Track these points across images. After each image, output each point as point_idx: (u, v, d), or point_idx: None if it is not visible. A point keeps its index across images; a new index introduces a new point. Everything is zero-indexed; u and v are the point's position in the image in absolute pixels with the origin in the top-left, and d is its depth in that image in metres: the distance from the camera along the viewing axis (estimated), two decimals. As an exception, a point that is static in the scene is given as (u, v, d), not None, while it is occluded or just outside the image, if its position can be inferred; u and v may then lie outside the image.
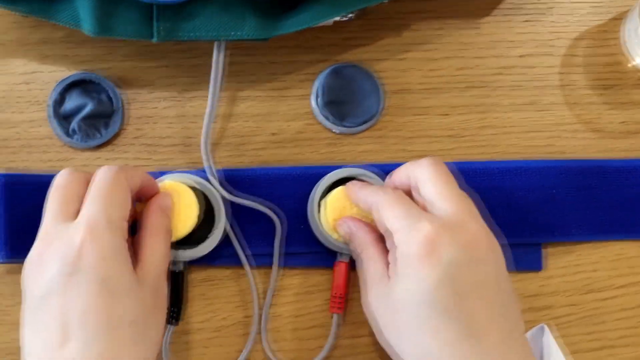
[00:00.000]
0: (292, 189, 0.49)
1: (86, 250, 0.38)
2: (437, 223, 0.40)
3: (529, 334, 0.45)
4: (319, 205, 0.48)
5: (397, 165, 0.48)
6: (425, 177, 0.42)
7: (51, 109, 0.48)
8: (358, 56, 0.50)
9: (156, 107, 0.49)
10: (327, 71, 0.49)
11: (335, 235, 0.47)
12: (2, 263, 0.47)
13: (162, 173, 0.48)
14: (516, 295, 0.42)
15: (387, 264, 0.43)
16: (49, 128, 0.48)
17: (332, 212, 0.47)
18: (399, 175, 0.45)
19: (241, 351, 0.49)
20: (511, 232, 0.49)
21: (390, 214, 0.42)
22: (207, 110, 0.47)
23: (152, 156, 0.49)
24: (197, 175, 0.48)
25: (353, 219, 0.46)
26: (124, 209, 0.41)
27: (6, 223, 0.46)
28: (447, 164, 0.44)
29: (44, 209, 0.42)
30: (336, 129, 0.49)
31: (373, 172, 0.48)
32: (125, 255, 0.40)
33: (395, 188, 0.45)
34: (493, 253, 0.41)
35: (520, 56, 0.51)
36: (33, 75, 0.49)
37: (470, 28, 0.51)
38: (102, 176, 0.41)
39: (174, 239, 0.46)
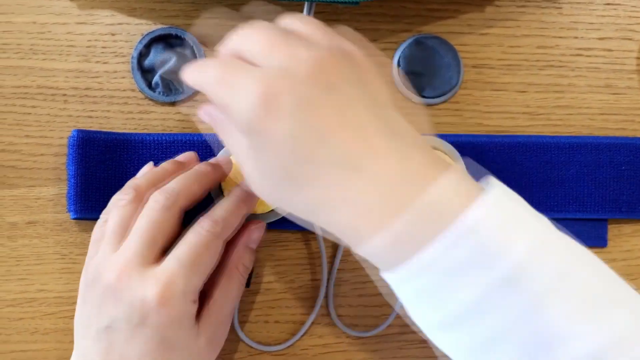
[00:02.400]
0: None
1: (154, 313, 0.39)
2: (265, 78, 0.33)
3: None
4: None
5: (473, 138, 0.49)
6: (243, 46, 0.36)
7: (135, 61, 0.48)
8: (440, 28, 0.50)
9: (238, 66, 0.49)
10: (409, 41, 0.50)
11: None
12: (72, 219, 0.48)
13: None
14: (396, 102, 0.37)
15: None
16: (131, 80, 0.49)
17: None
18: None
19: (306, 314, 0.49)
20: (578, 206, 0.50)
21: (216, 89, 0.35)
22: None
23: (232, 115, 0.49)
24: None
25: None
26: (206, 275, 0.41)
27: (78, 181, 0.47)
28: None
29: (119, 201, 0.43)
30: (415, 99, 0.50)
31: (448, 142, 0.48)
32: (190, 319, 0.41)
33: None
34: (350, 69, 0.35)
35: (600, 39, 0.51)
36: (119, 26, 0.49)
37: (552, 7, 0.51)
38: (200, 236, 0.41)
39: (260, 212, 0.46)
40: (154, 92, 0.48)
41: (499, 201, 0.33)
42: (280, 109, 0.33)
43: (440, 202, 0.32)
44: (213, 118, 0.39)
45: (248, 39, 0.36)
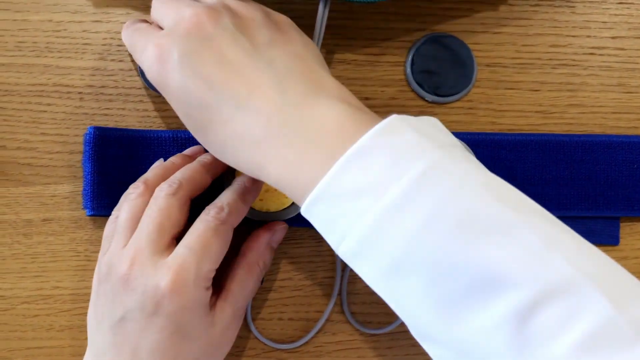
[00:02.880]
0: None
1: (167, 301, 0.39)
2: (156, 37, 0.39)
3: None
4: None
5: (486, 136, 0.49)
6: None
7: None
8: (454, 27, 0.51)
9: (253, 65, 0.49)
10: (423, 40, 0.50)
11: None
12: (88, 216, 0.48)
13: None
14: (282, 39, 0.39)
15: None
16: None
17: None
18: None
19: (319, 311, 0.49)
20: (591, 205, 0.50)
21: (129, 47, 0.43)
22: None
23: (246, 113, 0.49)
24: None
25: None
26: (217, 261, 0.41)
27: (94, 178, 0.47)
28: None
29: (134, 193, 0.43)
30: (428, 97, 0.50)
31: (461, 140, 0.48)
32: (204, 307, 0.41)
33: None
34: (226, 19, 0.39)
35: (612, 37, 0.51)
36: (135, 24, 0.49)
37: (566, 6, 0.51)
38: (207, 223, 0.41)
39: (274, 209, 0.47)
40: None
41: (390, 125, 0.34)
42: (169, 63, 0.37)
43: (316, 129, 0.35)
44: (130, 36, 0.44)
45: (159, 4, 0.41)
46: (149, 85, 0.48)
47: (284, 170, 0.35)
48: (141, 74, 0.48)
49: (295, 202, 0.36)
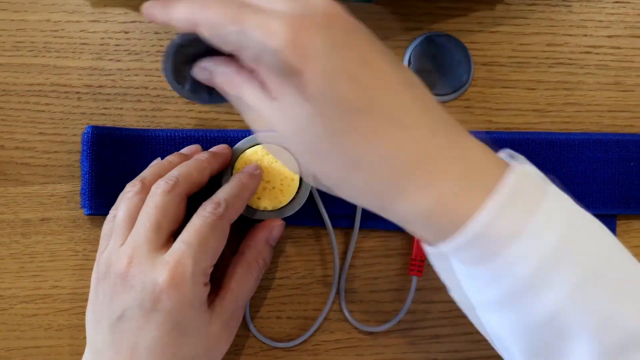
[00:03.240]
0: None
1: (165, 296, 0.39)
2: (287, 16, 0.32)
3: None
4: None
5: (483, 134, 0.49)
6: None
7: (173, 48, 0.39)
8: (451, 26, 0.51)
9: (251, 64, 0.50)
10: (420, 39, 0.50)
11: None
12: (86, 215, 0.48)
13: (250, 131, 0.48)
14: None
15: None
16: (144, 78, 0.49)
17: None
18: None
19: (318, 310, 0.50)
20: (587, 203, 0.50)
21: (228, 29, 0.33)
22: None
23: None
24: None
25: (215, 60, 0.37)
26: (214, 256, 0.41)
27: (92, 177, 0.47)
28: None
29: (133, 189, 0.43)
30: (425, 96, 0.50)
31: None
32: (202, 303, 0.41)
33: None
34: (355, 20, 0.35)
35: (609, 36, 0.52)
36: (132, 24, 0.49)
37: (562, 5, 0.51)
38: (204, 218, 0.41)
39: (271, 207, 0.47)
40: (182, 86, 0.40)
41: (531, 172, 0.34)
42: (312, 50, 0.31)
43: (478, 166, 0.33)
44: (217, 72, 0.36)
45: None
46: (175, 87, 0.40)
47: (431, 199, 0.32)
48: (170, 73, 0.40)
49: (430, 236, 0.34)
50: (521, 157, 0.35)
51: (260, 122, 0.35)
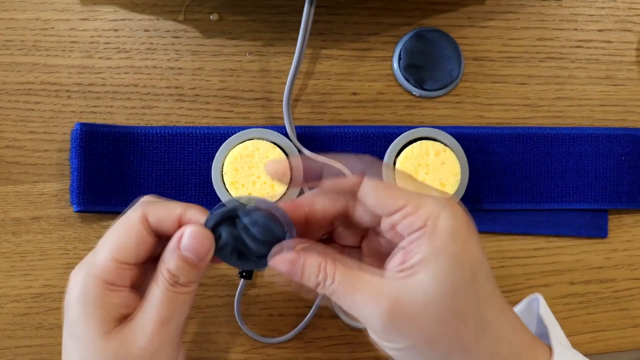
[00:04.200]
0: (367, 148, 0.49)
1: (66, 297, 0.37)
2: (457, 210, 0.35)
3: (522, 304, 0.43)
4: (394, 164, 0.48)
5: (473, 130, 0.49)
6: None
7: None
8: (441, 21, 0.51)
9: (240, 61, 0.50)
10: (410, 34, 0.50)
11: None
12: (76, 212, 0.48)
13: (240, 128, 0.48)
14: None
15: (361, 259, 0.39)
16: (134, 76, 0.49)
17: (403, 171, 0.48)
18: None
19: (309, 307, 0.49)
20: (579, 197, 0.50)
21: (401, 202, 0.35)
22: (293, 63, 0.47)
23: (234, 109, 0.49)
24: (275, 131, 0.48)
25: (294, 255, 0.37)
26: (116, 251, 0.36)
27: (81, 173, 0.47)
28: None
29: None
30: (416, 91, 0.50)
31: (449, 134, 0.48)
32: (93, 302, 0.36)
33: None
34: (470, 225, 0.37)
35: (599, 30, 0.51)
36: (122, 22, 0.49)
37: (552, 0, 0.51)
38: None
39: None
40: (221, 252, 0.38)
41: None
42: (473, 242, 0.35)
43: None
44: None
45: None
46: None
47: None
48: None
49: None
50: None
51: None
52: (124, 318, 0.36)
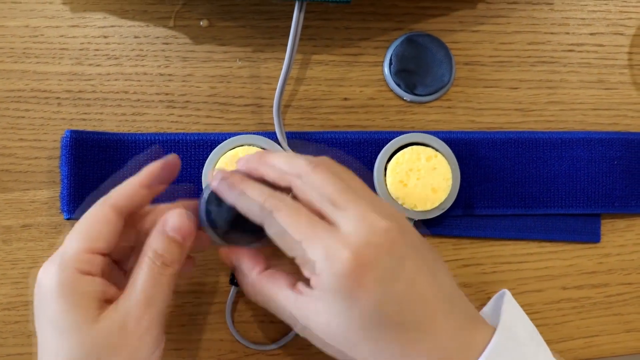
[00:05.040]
0: (358, 153, 0.49)
1: (37, 289, 0.38)
2: (353, 246, 0.36)
3: (490, 303, 0.45)
4: (385, 170, 0.48)
5: (465, 135, 0.49)
6: (312, 186, 0.39)
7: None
8: (432, 26, 0.50)
9: (230, 67, 0.49)
10: (400, 39, 0.50)
11: (400, 201, 0.48)
12: (67, 220, 0.48)
13: (231, 134, 0.48)
14: (444, 265, 0.41)
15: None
16: (124, 82, 0.49)
17: (394, 177, 0.47)
18: (267, 169, 0.40)
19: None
20: (572, 202, 0.50)
21: (296, 242, 0.37)
22: (283, 69, 0.47)
23: (224, 115, 0.49)
24: (266, 137, 0.48)
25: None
26: (88, 241, 0.38)
27: (72, 181, 0.47)
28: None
29: None
30: (407, 97, 0.50)
31: (440, 139, 0.48)
32: (73, 291, 0.37)
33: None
34: (409, 237, 0.39)
35: (591, 34, 0.51)
36: (112, 29, 0.49)
37: (544, 4, 0.51)
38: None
39: None
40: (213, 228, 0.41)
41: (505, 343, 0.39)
42: (369, 279, 0.36)
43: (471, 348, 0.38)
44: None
45: (317, 184, 0.39)
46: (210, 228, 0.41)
47: None
48: (210, 216, 0.41)
49: None
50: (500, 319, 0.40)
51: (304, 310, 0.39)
52: (104, 305, 0.38)
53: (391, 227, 0.38)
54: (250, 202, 0.39)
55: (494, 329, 0.39)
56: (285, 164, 0.40)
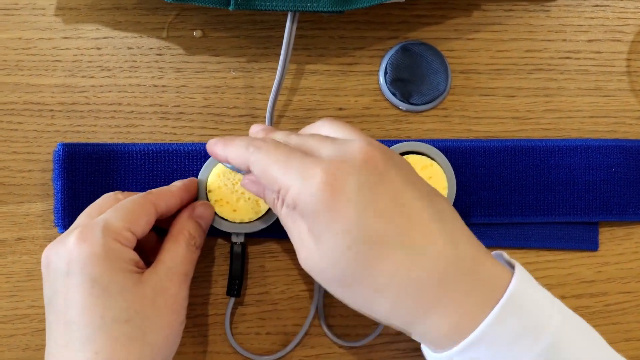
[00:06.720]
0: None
1: (76, 252, 0.39)
2: (325, 164, 0.36)
3: None
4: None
5: (461, 143, 0.49)
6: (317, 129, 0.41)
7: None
8: (427, 34, 0.50)
9: (225, 78, 0.49)
10: (396, 48, 0.49)
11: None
12: (60, 233, 0.48)
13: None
14: (435, 190, 0.39)
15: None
16: (117, 94, 0.49)
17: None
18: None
19: (297, 325, 0.49)
20: (569, 210, 0.50)
21: (276, 171, 0.38)
22: (276, 79, 0.47)
23: (219, 126, 0.49)
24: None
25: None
26: (131, 223, 0.41)
27: (65, 195, 0.47)
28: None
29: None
30: (403, 106, 0.49)
31: (436, 147, 0.48)
32: (118, 257, 0.40)
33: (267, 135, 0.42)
34: (392, 159, 0.38)
35: (588, 41, 0.51)
36: (105, 40, 0.49)
37: (540, 11, 0.50)
38: (130, 196, 0.43)
39: (239, 220, 0.46)
40: None
41: (528, 281, 0.37)
42: (345, 192, 0.36)
43: (489, 280, 0.36)
44: (261, 192, 0.42)
45: (295, 139, 0.40)
46: None
47: (447, 317, 0.36)
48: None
49: (434, 346, 0.38)
50: (515, 263, 0.39)
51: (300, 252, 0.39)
52: (139, 273, 0.41)
53: (369, 146, 0.37)
54: (238, 148, 0.40)
55: (509, 267, 0.38)
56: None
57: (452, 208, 0.39)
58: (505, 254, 0.40)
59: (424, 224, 0.37)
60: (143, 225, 0.42)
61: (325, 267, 0.37)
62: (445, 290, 0.36)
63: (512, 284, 0.36)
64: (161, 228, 0.46)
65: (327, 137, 0.39)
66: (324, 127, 0.41)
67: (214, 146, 0.42)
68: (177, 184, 0.45)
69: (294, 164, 0.37)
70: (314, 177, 0.36)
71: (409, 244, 0.36)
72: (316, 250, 0.37)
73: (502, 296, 0.35)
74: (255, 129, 0.43)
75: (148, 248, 0.45)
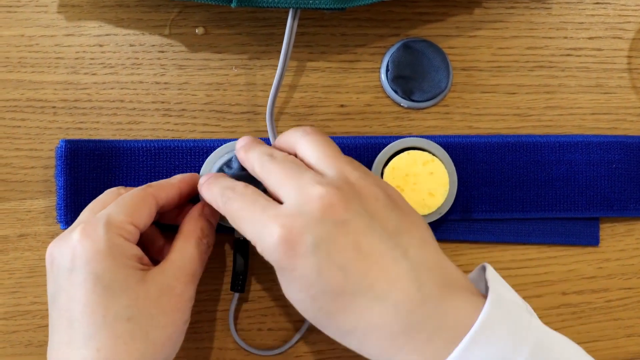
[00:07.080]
0: (355, 158, 0.48)
1: (80, 248, 0.39)
2: (281, 219, 0.37)
3: (473, 273, 0.43)
4: (382, 175, 0.48)
5: (462, 139, 0.49)
6: (305, 146, 0.41)
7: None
8: (429, 32, 0.50)
9: (227, 75, 0.49)
10: (397, 45, 0.50)
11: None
12: (63, 230, 0.48)
13: (227, 141, 0.48)
14: (409, 217, 0.39)
15: None
16: (119, 90, 0.49)
17: (391, 182, 0.47)
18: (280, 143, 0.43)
19: (299, 320, 0.49)
20: (570, 205, 0.50)
21: (244, 225, 0.39)
22: (277, 76, 0.47)
23: (221, 123, 0.49)
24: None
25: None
26: (132, 216, 0.41)
27: (68, 191, 0.47)
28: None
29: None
30: (404, 103, 0.50)
31: (437, 143, 0.48)
32: (121, 253, 0.40)
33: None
34: (355, 200, 0.38)
35: (589, 38, 0.51)
36: (107, 37, 0.49)
37: (542, 8, 0.51)
38: (130, 190, 0.43)
39: None
40: None
41: (499, 311, 0.36)
42: (302, 249, 0.36)
43: (454, 321, 0.36)
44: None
45: (273, 168, 0.40)
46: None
47: (414, 358, 0.36)
48: None
49: None
50: (491, 285, 0.38)
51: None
52: (144, 270, 0.41)
53: (327, 193, 0.37)
54: (214, 195, 0.41)
55: (481, 297, 0.37)
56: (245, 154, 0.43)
57: (424, 234, 0.39)
58: (488, 268, 0.40)
59: (387, 268, 0.36)
60: (145, 217, 0.42)
61: (296, 305, 0.39)
62: (409, 336, 0.36)
63: (476, 323, 0.35)
64: (163, 224, 0.46)
65: (296, 169, 0.39)
66: (303, 143, 0.41)
67: (201, 187, 0.43)
68: (177, 176, 0.45)
69: (256, 217, 0.38)
70: (271, 235, 0.36)
71: (371, 291, 0.36)
72: (288, 295, 0.39)
73: (463, 336, 0.35)
74: (239, 144, 0.44)
75: (150, 244, 0.45)
